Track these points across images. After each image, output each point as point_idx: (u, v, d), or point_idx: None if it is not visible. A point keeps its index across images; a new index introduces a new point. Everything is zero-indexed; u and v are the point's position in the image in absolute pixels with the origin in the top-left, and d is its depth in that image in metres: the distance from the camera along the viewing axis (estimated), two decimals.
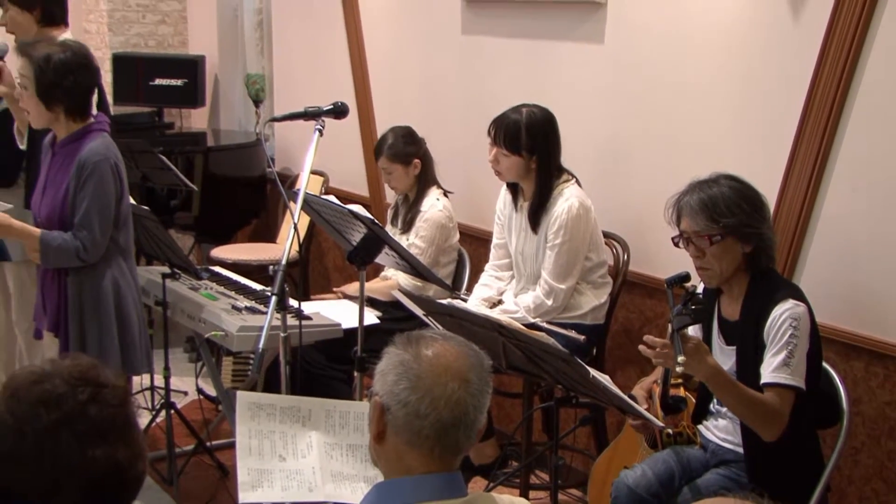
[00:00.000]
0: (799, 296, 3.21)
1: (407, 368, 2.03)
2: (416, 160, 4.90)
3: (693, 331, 3.33)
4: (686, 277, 3.28)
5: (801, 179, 3.77)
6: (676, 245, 3.33)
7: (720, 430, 3.39)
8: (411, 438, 2.02)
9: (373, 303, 4.76)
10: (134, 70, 7.40)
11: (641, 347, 3.18)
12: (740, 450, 3.29)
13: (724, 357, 3.32)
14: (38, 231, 3.89)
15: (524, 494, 4.04)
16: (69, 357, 1.81)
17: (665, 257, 4.17)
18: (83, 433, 1.70)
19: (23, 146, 4.75)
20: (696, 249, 3.27)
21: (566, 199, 4.23)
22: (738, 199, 3.22)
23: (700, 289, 3.39)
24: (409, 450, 2.03)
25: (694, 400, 3.43)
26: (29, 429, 1.69)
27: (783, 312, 3.15)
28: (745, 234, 3.22)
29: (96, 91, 4.20)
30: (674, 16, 4.20)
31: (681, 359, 2.97)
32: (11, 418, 1.71)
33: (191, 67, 7.37)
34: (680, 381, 3.36)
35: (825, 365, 3.37)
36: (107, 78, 7.14)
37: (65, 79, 3.84)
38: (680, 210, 3.29)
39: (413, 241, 4.80)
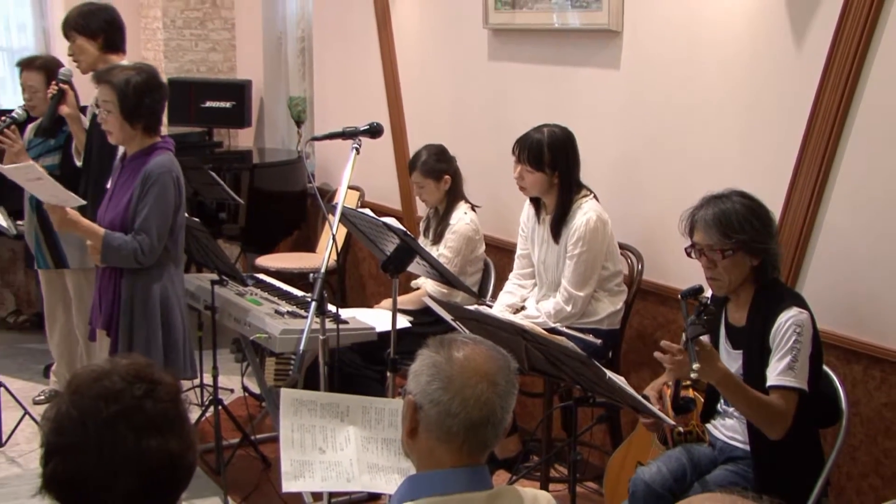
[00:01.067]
0: (802, 304, 3.20)
1: (439, 370, 2.03)
2: (447, 176, 4.90)
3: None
4: (699, 290, 3.28)
5: (803, 195, 3.75)
6: (689, 255, 3.32)
7: (727, 429, 3.38)
8: (442, 435, 2.02)
9: (404, 309, 4.76)
10: (187, 93, 7.44)
11: (657, 354, 3.19)
12: (747, 447, 3.28)
13: (731, 360, 3.31)
14: (101, 230, 3.94)
15: (544, 487, 4.03)
16: (126, 357, 1.82)
17: (676, 267, 4.16)
18: (139, 426, 1.72)
19: (79, 163, 4.80)
20: (707, 261, 3.26)
21: (585, 213, 4.22)
22: (750, 217, 3.21)
23: (708, 294, 3.38)
24: (440, 445, 2.03)
25: (702, 400, 3.42)
26: (90, 421, 1.71)
27: (788, 319, 3.14)
28: (754, 250, 3.21)
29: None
30: (684, 44, 4.19)
31: (696, 366, 2.97)
32: (75, 412, 1.72)
33: (238, 91, 7.41)
34: (689, 383, 3.35)
35: (826, 368, 3.36)
36: None
37: (144, 98, 3.93)
38: (694, 223, 3.28)
39: (442, 252, 4.81)
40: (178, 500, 1.81)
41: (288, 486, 2.89)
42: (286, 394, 3.01)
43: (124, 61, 4.75)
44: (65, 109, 4.79)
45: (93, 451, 1.70)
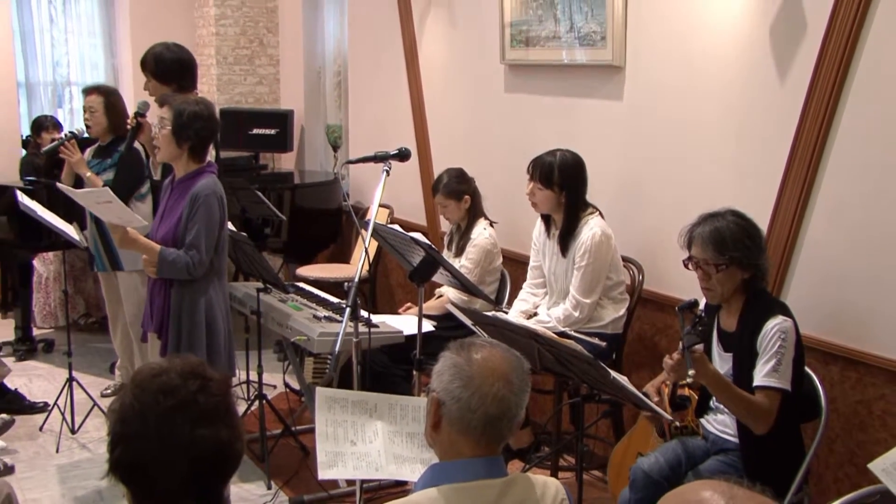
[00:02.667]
0: (787, 312, 3.20)
1: (460, 370, 2.04)
2: (467, 196, 4.91)
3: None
4: (695, 304, 3.29)
5: (787, 213, 3.74)
6: (686, 267, 3.32)
7: (719, 424, 3.37)
8: (462, 428, 2.03)
9: (429, 314, 4.76)
10: (236, 122, 7.48)
11: (665, 360, 3.21)
12: (736, 440, 3.27)
13: (722, 362, 3.31)
14: (157, 246, 3.97)
15: (554, 474, 4.03)
16: (181, 357, 1.84)
17: (673, 278, 4.16)
18: (193, 417, 1.74)
19: (156, 177, 4.85)
20: (703, 273, 3.26)
21: (590, 228, 4.22)
22: (742, 236, 3.20)
23: (703, 304, 3.39)
24: (460, 437, 2.03)
25: (696, 398, 3.41)
26: (150, 413, 1.73)
27: (774, 326, 3.14)
28: (745, 265, 3.21)
29: (213, 143, 4.30)
30: (680, 78, 4.19)
31: (691, 372, 3.02)
32: (137, 405, 1.75)
33: (282, 119, 7.45)
34: (684, 382, 3.35)
35: (807, 369, 3.35)
36: None
37: (194, 123, 3.96)
38: (692, 238, 3.28)
39: (463, 263, 4.81)
40: (228, 483, 1.83)
41: (323, 474, 2.90)
42: (321, 393, 3.01)
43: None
44: (142, 139, 4.83)
45: (153, 439, 1.72)
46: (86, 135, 5.28)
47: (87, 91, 5.34)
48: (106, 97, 5.24)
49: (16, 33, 7.78)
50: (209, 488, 1.78)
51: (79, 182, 5.08)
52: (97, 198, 4.07)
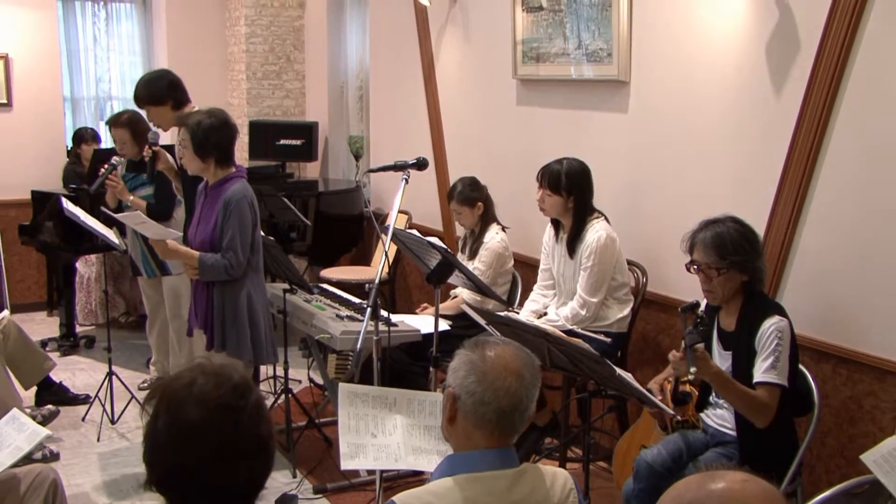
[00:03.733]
0: (783, 312, 3.19)
1: (474, 366, 2.04)
2: (480, 203, 4.90)
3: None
4: (696, 305, 3.29)
5: (782, 220, 3.73)
6: (689, 270, 3.31)
7: (718, 418, 3.36)
8: (477, 421, 2.02)
9: (445, 314, 4.76)
10: (265, 133, 7.50)
11: (670, 356, 3.20)
12: (734, 433, 3.26)
13: (722, 360, 3.29)
14: (196, 253, 3.98)
15: (562, 466, 4.02)
16: (214, 376, 1.72)
17: (675, 281, 4.15)
18: (228, 458, 1.67)
19: (180, 198, 4.88)
20: (704, 277, 3.24)
21: (596, 232, 4.21)
22: (741, 241, 3.19)
23: (703, 305, 3.37)
24: (475, 430, 2.03)
25: (697, 394, 3.39)
26: (186, 455, 1.66)
27: (770, 326, 3.13)
28: (744, 268, 3.20)
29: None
30: (682, 92, 4.17)
31: (693, 370, 3.01)
32: (173, 446, 1.67)
33: (307, 131, 7.46)
34: (686, 379, 3.33)
35: (801, 366, 3.33)
36: (244, 139, 7.25)
37: (212, 137, 3.96)
38: (694, 243, 3.26)
39: (476, 266, 4.80)
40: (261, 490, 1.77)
41: (346, 464, 2.89)
42: (343, 388, 3.01)
43: (196, 107, 4.77)
44: (160, 166, 4.82)
45: (188, 472, 1.66)
46: (125, 163, 5.28)
47: (111, 123, 5.33)
48: (130, 128, 5.24)
49: (63, 52, 7.83)
50: (244, 499, 1.74)
51: (121, 203, 5.13)
52: (134, 220, 4.21)
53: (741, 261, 3.17)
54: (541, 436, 4.51)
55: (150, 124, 4.94)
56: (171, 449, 1.67)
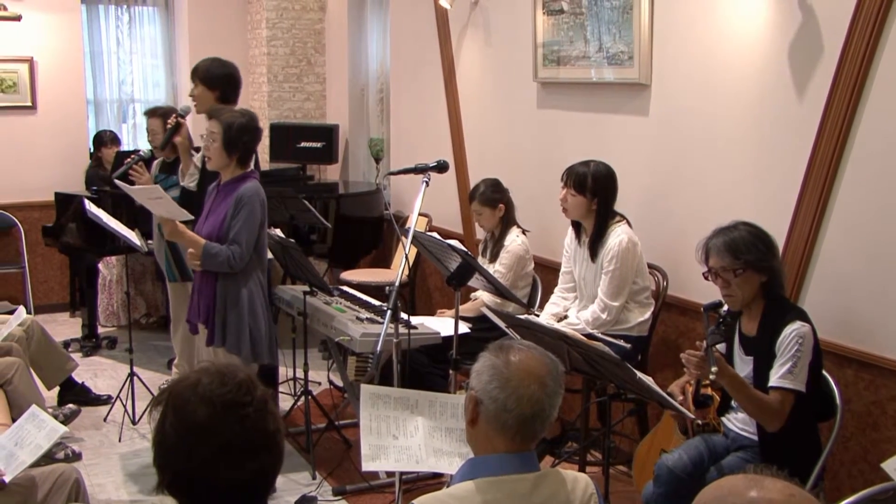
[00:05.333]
0: (805, 318, 3.17)
1: (498, 371, 2.03)
2: (501, 205, 4.90)
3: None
4: (719, 304, 3.28)
5: (804, 224, 3.70)
6: (706, 279, 3.30)
7: (739, 422, 3.34)
8: (498, 426, 2.02)
9: (464, 316, 4.75)
10: (286, 135, 7.52)
11: (683, 356, 3.18)
12: (756, 437, 3.24)
13: (743, 364, 3.28)
14: (202, 240, 4.04)
15: (582, 469, 4.00)
16: (219, 375, 1.73)
17: (696, 284, 4.11)
18: (236, 456, 1.67)
19: (182, 182, 4.89)
20: (723, 281, 3.24)
21: (618, 236, 4.20)
22: (754, 240, 3.20)
23: (726, 308, 3.36)
24: (496, 434, 2.02)
25: (718, 398, 3.37)
26: (194, 454, 1.67)
27: (792, 331, 3.11)
28: (760, 268, 3.19)
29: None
30: (703, 95, 4.16)
31: (714, 369, 3.00)
32: (182, 445, 1.68)
33: (327, 133, 7.47)
34: (707, 382, 3.32)
35: (824, 372, 3.31)
36: (265, 141, 7.28)
37: (243, 136, 4.06)
38: (708, 251, 3.27)
39: (497, 268, 4.80)
40: (271, 488, 1.78)
41: (367, 466, 2.89)
42: (365, 389, 3.01)
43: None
44: (177, 139, 4.89)
45: (198, 472, 1.67)
46: (151, 154, 5.32)
47: (148, 114, 5.42)
48: (164, 119, 5.29)
49: (86, 55, 7.89)
50: (256, 498, 1.74)
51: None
52: (149, 194, 4.23)
53: (756, 259, 3.18)
54: (546, 448, 4.48)
55: (190, 101, 4.99)
56: (180, 449, 1.68)
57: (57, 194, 6.69)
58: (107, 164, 7.06)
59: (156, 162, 5.43)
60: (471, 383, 2.09)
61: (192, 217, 4.26)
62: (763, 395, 3.10)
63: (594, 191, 4.22)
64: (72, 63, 7.60)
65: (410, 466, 2.91)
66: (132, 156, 5.12)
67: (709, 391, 3.35)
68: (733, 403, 3.37)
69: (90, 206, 5.11)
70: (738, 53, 3.97)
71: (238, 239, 4.00)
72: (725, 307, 3.36)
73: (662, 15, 4.33)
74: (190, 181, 4.92)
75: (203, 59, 4.98)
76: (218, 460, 1.66)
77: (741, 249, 3.18)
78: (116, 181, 4.66)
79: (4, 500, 3.12)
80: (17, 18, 7.32)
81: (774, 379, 3.10)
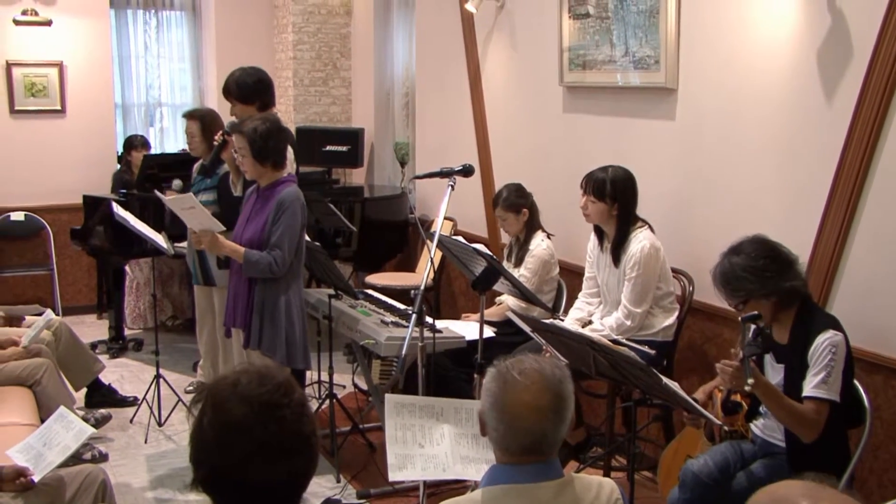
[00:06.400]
0: (837, 326, 3.14)
1: (496, 401, 2.02)
2: (525, 209, 4.89)
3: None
4: (758, 317, 3.23)
5: (832, 231, 3.67)
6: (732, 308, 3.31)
7: (767, 428, 3.31)
8: (503, 448, 2.03)
9: (490, 321, 4.75)
10: (311, 139, 7.55)
11: (718, 366, 3.15)
12: (783, 444, 3.22)
13: (774, 373, 3.25)
14: (242, 249, 4.07)
15: (606, 475, 3.99)
16: (256, 375, 1.77)
17: None
18: (271, 455, 1.68)
19: (236, 193, 4.91)
20: (737, 309, 3.26)
21: (640, 242, 4.18)
22: (743, 275, 3.16)
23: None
24: (504, 454, 2.04)
25: (747, 405, 3.35)
26: (231, 453, 1.68)
27: (825, 341, 3.08)
28: (761, 296, 3.17)
29: (292, 157, 4.37)
30: (730, 99, 4.13)
31: (750, 381, 2.96)
32: (218, 443, 1.69)
33: (353, 137, 7.49)
34: (743, 391, 3.29)
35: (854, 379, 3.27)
36: None
37: (269, 142, 4.08)
38: (714, 282, 3.30)
39: (522, 273, 4.79)
40: (305, 489, 1.78)
41: (394, 475, 2.88)
42: (390, 399, 3.01)
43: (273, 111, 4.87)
44: (225, 156, 4.89)
45: (233, 471, 1.68)
46: (182, 186, 5.36)
47: (187, 116, 5.44)
48: (201, 122, 5.32)
49: (115, 59, 7.97)
50: (289, 500, 1.75)
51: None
52: (182, 204, 4.24)
53: (751, 291, 3.16)
54: (570, 454, 4.46)
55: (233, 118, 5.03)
56: (217, 446, 1.68)
57: (85, 197, 6.76)
58: (134, 168, 7.12)
59: (196, 165, 5.47)
60: (481, 399, 2.09)
61: (225, 228, 4.28)
62: (799, 406, 3.07)
63: (613, 196, 4.21)
64: (100, 67, 7.68)
65: (437, 475, 2.90)
66: (168, 189, 5.11)
67: (738, 398, 3.33)
68: (761, 409, 3.35)
69: (118, 209, 5.15)
70: (765, 57, 3.95)
71: (280, 244, 4.04)
72: (768, 330, 3.35)
73: (689, 19, 4.31)
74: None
75: (230, 75, 4.99)
76: (253, 459, 1.67)
77: (734, 287, 3.18)
78: (156, 193, 4.76)
79: (33, 500, 3.15)
80: (48, 23, 7.41)
81: (809, 389, 3.08)
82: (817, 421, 3.05)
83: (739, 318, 3.18)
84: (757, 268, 3.16)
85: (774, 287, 3.16)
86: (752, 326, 3.27)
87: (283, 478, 1.70)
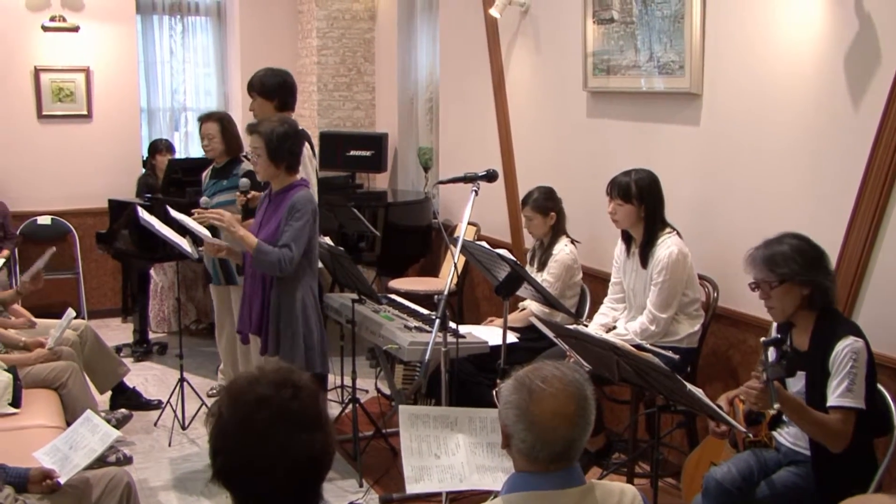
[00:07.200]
0: (857, 332, 3.13)
1: (523, 413, 2.01)
2: (553, 213, 4.89)
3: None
4: (781, 340, 3.23)
5: (859, 236, 3.65)
6: (752, 290, 3.29)
7: (791, 436, 3.29)
8: (531, 460, 2.02)
9: (513, 326, 4.75)
10: (335, 144, 7.59)
11: (742, 391, 3.13)
12: (807, 452, 3.20)
13: (795, 380, 3.24)
14: (255, 240, 4.10)
15: (630, 481, 3.98)
16: (272, 364, 1.85)
17: (747, 296, 4.05)
18: (288, 425, 1.73)
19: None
20: (763, 292, 3.24)
21: (668, 247, 4.17)
22: (793, 254, 3.18)
23: (774, 328, 3.33)
24: (530, 464, 2.03)
25: (771, 414, 3.33)
26: (248, 424, 1.73)
27: (845, 347, 3.07)
28: (799, 281, 3.16)
29: (309, 154, 4.40)
30: (755, 104, 4.12)
31: (776, 405, 2.96)
32: (235, 416, 1.75)
33: (377, 142, 7.52)
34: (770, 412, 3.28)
35: (879, 386, 3.25)
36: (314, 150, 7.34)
37: (285, 143, 4.11)
38: (750, 262, 3.26)
39: (545, 278, 4.79)
40: (323, 482, 1.83)
41: (411, 488, 2.88)
42: (403, 410, 3.01)
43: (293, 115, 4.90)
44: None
45: (251, 447, 1.72)
46: (209, 203, 5.39)
47: (204, 119, 5.48)
48: (220, 123, 5.38)
49: (140, 64, 8.04)
50: (306, 489, 1.78)
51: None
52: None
53: (791, 273, 3.15)
54: (591, 461, 4.45)
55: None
56: (237, 423, 1.74)
57: (111, 201, 6.82)
58: (159, 172, 7.18)
59: (207, 170, 5.51)
60: (500, 414, 2.07)
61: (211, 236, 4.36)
62: (825, 417, 3.06)
63: (640, 197, 4.21)
64: (127, 72, 7.75)
65: (454, 486, 2.89)
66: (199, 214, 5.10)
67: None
68: (785, 417, 3.33)
69: (143, 214, 5.19)
70: (791, 62, 3.93)
71: (289, 242, 4.06)
72: (774, 327, 3.33)
73: (714, 23, 4.30)
74: None
75: (256, 72, 5.05)
76: (272, 429, 1.72)
77: (778, 263, 3.18)
78: (171, 212, 4.83)
79: (59, 502, 3.19)
80: (76, 29, 7.49)
81: (833, 398, 3.06)
82: (845, 430, 3.03)
83: (761, 341, 3.16)
84: (806, 252, 3.19)
85: (814, 277, 3.16)
86: (773, 349, 3.25)
87: (304, 454, 1.73)
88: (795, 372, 3.23)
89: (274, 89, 4.94)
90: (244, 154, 5.34)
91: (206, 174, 5.52)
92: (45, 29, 7.42)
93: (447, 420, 2.98)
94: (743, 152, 4.22)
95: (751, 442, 3.34)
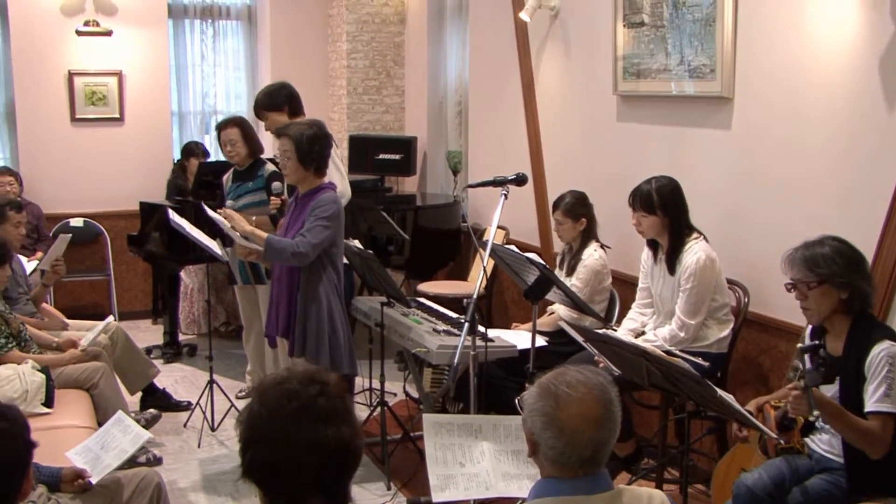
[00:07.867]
0: (894, 337, 3.09)
1: (551, 420, 2.01)
2: (584, 218, 4.88)
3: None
4: (818, 346, 3.19)
5: (894, 240, 3.61)
6: (788, 290, 3.26)
7: (824, 443, 3.27)
8: (560, 466, 2.02)
9: (541, 330, 4.74)
10: (364, 147, 7.62)
11: (784, 392, 3.11)
12: (840, 459, 3.17)
13: (829, 386, 3.20)
14: (265, 233, 4.18)
15: (659, 487, 3.96)
16: (301, 365, 1.89)
17: (778, 301, 4.05)
18: (316, 418, 1.77)
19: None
20: (800, 293, 3.21)
21: (695, 253, 4.15)
22: (833, 256, 3.15)
23: (807, 334, 3.30)
24: (559, 470, 2.03)
25: (803, 420, 3.30)
26: (277, 418, 1.77)
27: (881, 351, 3.04)
28: (837, 284, 3.13)
29: (339, 161, 4.44)
30: (787, 108, 4.09)
31: (816, 413, 2.93)
32: (265, 411, 1.79)
33: (406, 145, 7.54)
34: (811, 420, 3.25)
35: None
36: (344, 153, 7.37)
37: (314, 146, 4.16)
38: (789, 262, 3.23)
39: (574, 282, 4.78)
40: (351, 479, 1.85)
41: (437, 496, 2.86)
42: (427, 419, 3.01)
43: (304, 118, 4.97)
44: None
45: (280, 441, 1.76)
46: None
47: (223, 126, 5.50)
48: (240, 127, 5.43)
49: (172, 68, 8.12)
50: (335, 484, 1.80)
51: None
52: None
53: (831, 274, 3.13)
54: (619, 466, 4.43)
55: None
56: (263, 415, 1.79)
57: (142, 204, 6.89)
58: (189, 175, 7.25)
59: (229, 173, 5.55)
60: (525, 419, 2.07)
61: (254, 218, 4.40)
62: (864, 423, 3.02)
63: (662, 206, 4.19)
64: (158, 76, 7.83)
65: (480, 494, 2.88)
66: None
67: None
68: (817, 424, 3.30)
69: (173, 216, 5.24)
70: (824, 65, 3.90)
71: (304, 232, 4.10)
72: (808, 331, 3.30)
73: (746, 27, 4.28)
74: None
75: (256, 96, 5.27)
76: (300, 418, 1.76)
77: (818, 264, 3.15)
78: (204, 207, 4.89)
79: (90, 501, 3.23)
80: (108, 34, 7.58)
81: (871, 404, 3.02)
82: (884, 436, 3.00)
83: (797, 347, 3.14)
84: (846, 255, 3.16)
85: (854, 280, 3.14)
86: (808, 356, 3.22)
87: (331, 445, 1.76)
88: (834, 379, 3.21)
89: (281, 99, 5.10)
90: (271, 157, 5.39)
91: (227, 178, 5.56)
92: (79, 33, 7.52)
93: (471, 428, 2.98)
94: (775, 156, 4.19)
95: (783, 448, 3.32)
